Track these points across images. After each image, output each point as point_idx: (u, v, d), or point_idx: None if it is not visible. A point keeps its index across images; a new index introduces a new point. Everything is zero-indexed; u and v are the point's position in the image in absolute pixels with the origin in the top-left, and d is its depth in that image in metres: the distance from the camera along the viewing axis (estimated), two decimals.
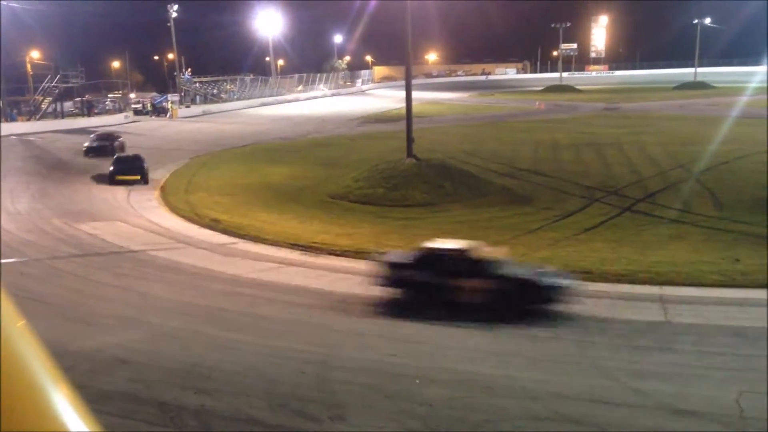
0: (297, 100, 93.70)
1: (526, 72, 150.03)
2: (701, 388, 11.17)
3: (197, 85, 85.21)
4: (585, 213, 26.94)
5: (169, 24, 73.43)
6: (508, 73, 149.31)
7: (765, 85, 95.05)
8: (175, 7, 72.65)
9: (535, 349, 13.09)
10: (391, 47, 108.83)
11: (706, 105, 75.03)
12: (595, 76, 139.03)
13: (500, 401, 10.72)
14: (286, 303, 16.20)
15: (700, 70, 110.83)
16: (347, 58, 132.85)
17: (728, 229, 23.78)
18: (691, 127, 54.14)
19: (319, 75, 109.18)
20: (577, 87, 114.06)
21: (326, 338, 13.59)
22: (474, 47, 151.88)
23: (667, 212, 26.55)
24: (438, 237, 17.93)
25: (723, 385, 11.20)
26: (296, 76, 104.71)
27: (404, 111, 35.06)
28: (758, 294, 16.56)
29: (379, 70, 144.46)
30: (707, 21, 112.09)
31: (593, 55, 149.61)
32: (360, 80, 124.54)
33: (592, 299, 16.14)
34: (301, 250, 21.50)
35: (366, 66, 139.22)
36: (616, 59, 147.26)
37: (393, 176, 30.99)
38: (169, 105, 70.99)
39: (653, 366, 12.07)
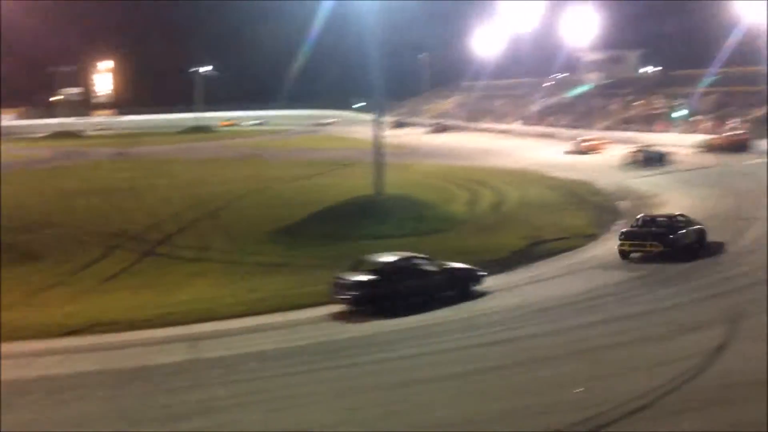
0: None
1: (27, 118, 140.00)
2: (236, 415, 11.66)
3: None
4: (105, 262, 26.21)
5: None
6: (6, 119, 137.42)
7: (262, 126, 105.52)
8: None
9: (60, 413, 12.19)
10: None
11: (211, 148, 79.50)
12: (104, 121, 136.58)
13: None
14: None
15: (205, 114, 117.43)
16: None
17: (243, 262, 25.50)
18: (200, 168, 56.73)
19: None
20: (85, 133, 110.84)
21: None
22: None
23: (187, 252, 27.35)
24: None
25: (251, 408, 11.89)
26: None
27: None
28: (275, 318, 18.15)
29: None
30: (209, 68, 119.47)
31: (99, 100, 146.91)
32: None
33: (122, 349, 15.82)
34: None
35: None
36: (124, 104, 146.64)
37: None
38: None
39: (188, 405, 12.22)
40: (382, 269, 18.19)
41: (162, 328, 17.56)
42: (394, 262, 18.68)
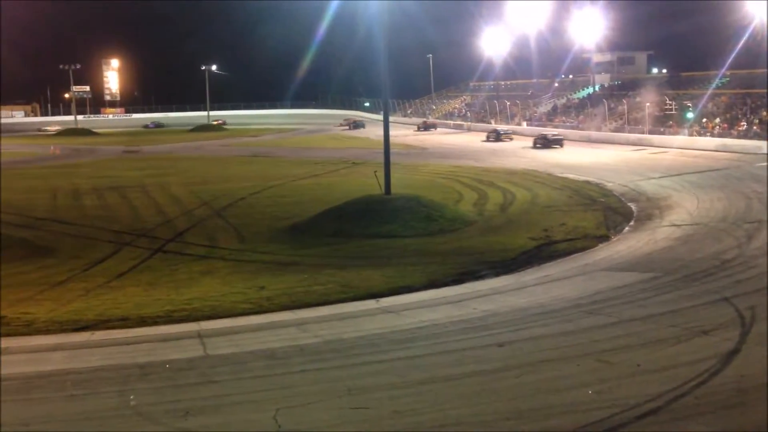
0: None
1: (35, 115, 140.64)
2: (241, 413, 11.65)
3: None
4: (115, 258, 26.32)
5: None
6: (16, 116, 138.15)
7: (270, 125, 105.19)
8: None
9: (70, 409, 12.22)
10: None
11: (220, 145, 79.70)
12: (113, 119, 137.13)
13: None
14: None
15: (212, 112, 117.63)
16: None
17: (251, 260, 25.53)
18: (209, 166, 56.94)
19: None
20: (94, 130, 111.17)
21: None
22: None
23: (196, 249, 27.42)
24: None
25: (261, 406, 11.88)
26: None
27: None
28: (283, 316, 18.15)
29: None
30: (214, 67, 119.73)
31: (108, 97, 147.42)
32: None
33: (132, 345, 15.83)
34: None
35: None
36: (132, 102, 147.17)
37: None
38: None
39: (196, 402, 12.22)
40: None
41: (171, 325, 17.59)
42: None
